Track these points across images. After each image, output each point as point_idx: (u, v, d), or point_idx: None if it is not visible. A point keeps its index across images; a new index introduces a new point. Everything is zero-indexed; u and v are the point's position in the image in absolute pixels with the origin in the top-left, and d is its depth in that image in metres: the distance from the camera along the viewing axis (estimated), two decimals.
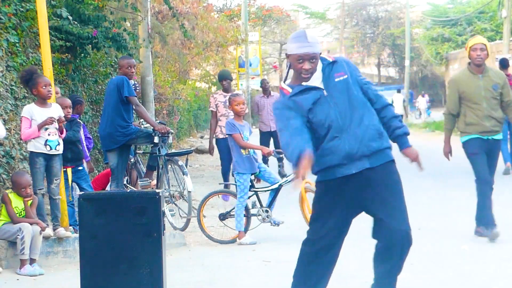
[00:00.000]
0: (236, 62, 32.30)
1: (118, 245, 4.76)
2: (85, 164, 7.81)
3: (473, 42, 7.32)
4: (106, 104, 8.28)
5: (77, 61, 10.73)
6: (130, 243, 4.75)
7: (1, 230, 6.52)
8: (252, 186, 7.75)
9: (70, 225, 7.20)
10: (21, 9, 8.69)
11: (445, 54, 31.74)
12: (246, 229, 7.73)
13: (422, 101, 41.15)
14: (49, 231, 6.77)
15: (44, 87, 6.77)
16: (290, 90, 4.37)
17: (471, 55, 7.28)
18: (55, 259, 6.86)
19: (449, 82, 7.51)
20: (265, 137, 12.83)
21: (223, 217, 7.95)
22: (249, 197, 7.77)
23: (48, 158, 6.82)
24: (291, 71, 4.43)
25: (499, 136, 7.33)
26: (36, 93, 6.84)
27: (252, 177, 7.76)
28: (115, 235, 4.76)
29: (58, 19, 9.50)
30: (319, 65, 4.41)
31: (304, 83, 4.35)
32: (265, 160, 11.26)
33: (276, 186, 7.77)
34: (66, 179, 7.34)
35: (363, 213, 4.44)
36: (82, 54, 10.73)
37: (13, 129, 7.88)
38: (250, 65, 32.94)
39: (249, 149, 7.69)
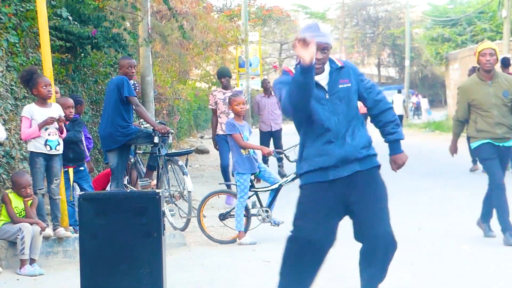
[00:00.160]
0: (236, 62, 32.31)
1: (118, 245, 4.76)
2: (85, 164, 7.80)
3: (482, 47, 7.17)
4: (106, 104, 8.27)
5: (77, 61, 10.72)
6: (130, 243, 4.75)
7: (1, 230, 6.52)
8: (252, 186, 7.75)
9: (70, 225, 7.19)
10: (21, 9, 8.68)
11: (445, 54, 31.69)
12: (246, 229, 7.73)
13: (423, 102, 41.23)
14: (49, 231, 6.77)
15: (44, 87, 6.77)
16: (294, 72, 4.31)
17: (480, 60, 7.14)
18: (55, 259, 6.86)
19: (459, 90, 7.39)
20: (265, 137, 12.85)
21: (223, 217, 7.95)
22: (249, 197, 7.77)
23: (48, 158, 6.81)
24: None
25: (510, 143, 7.21)
26: (36, 93, 6.83)
27: (252, 177, 7.76)
28: (115, 235, 4.76)
29: (58, 19, 9.49)
30: (327, 68, 4.41)
31: None
32: (265, 160, 11.28)
33: (276, 186, 7.77)
34: (68, 179, 7.34)
35: None
36: (82, 54, 10.72)
37: (13, 129, 7.87)
38: (250, 65, 32.98)
39: (249, 149, 7.70)
